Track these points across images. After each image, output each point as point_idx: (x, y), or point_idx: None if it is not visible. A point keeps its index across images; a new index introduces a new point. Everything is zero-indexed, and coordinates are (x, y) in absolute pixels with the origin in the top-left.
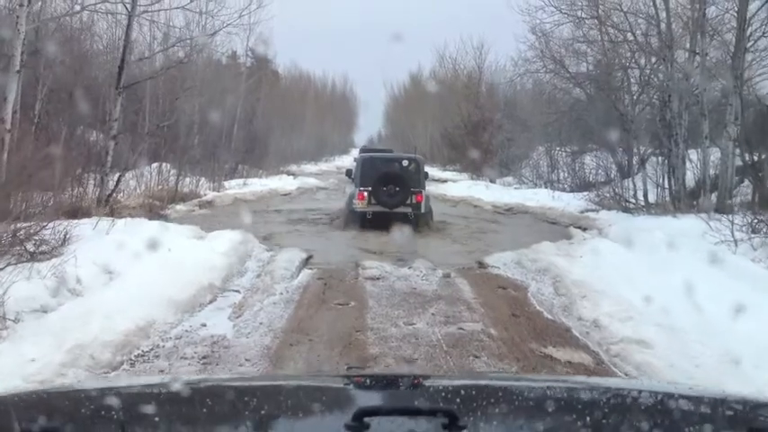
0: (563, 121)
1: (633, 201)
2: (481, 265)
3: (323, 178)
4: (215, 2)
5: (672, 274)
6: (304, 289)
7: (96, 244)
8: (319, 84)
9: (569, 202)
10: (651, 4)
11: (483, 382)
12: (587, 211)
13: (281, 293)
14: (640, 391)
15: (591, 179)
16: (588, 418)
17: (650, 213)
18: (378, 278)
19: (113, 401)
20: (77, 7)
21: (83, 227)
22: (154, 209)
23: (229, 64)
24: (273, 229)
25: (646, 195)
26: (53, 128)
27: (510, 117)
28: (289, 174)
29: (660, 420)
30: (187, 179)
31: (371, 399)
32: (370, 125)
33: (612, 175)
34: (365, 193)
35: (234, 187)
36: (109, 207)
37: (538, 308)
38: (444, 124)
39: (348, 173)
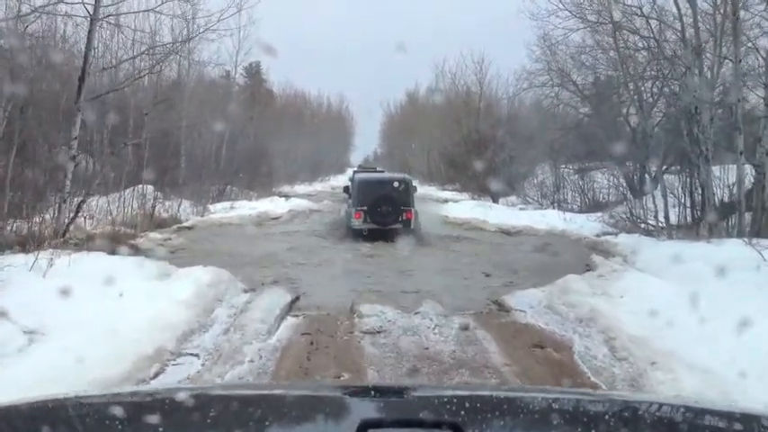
0: (569, 137)
1: (653, 223)
2: (502, 307)
3: (317, 199)
4: (192, 6)
5: (753, 325)
6: (283, 352)
7: (26, 290)
8: (315, 103)
9: (583, 225)
10: (674, 6)
11: (488, 394)
12: (604, 234)
13: (252, 360)
14: (648, 404)
15: (602, 198)
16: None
17: (674, 237)
18: (378, 331)
19: (116, 410)
20: (31, 10)
21: (13, 268)
22: (122, 238)
23: (221, 82)
24: (255, 257)
25: (667, 217)
26: (28, 148)
27: (512, 134)
28: (281, 195)
29: None
30: (168, 203)
31: (375, 410)
32: (366, 144)
33: (627, 194)
34: (361, 213)
35: (220, 211)
36: (67, 237)
37: (593, 379)
38: (443, 142)
39: (345, 189)
